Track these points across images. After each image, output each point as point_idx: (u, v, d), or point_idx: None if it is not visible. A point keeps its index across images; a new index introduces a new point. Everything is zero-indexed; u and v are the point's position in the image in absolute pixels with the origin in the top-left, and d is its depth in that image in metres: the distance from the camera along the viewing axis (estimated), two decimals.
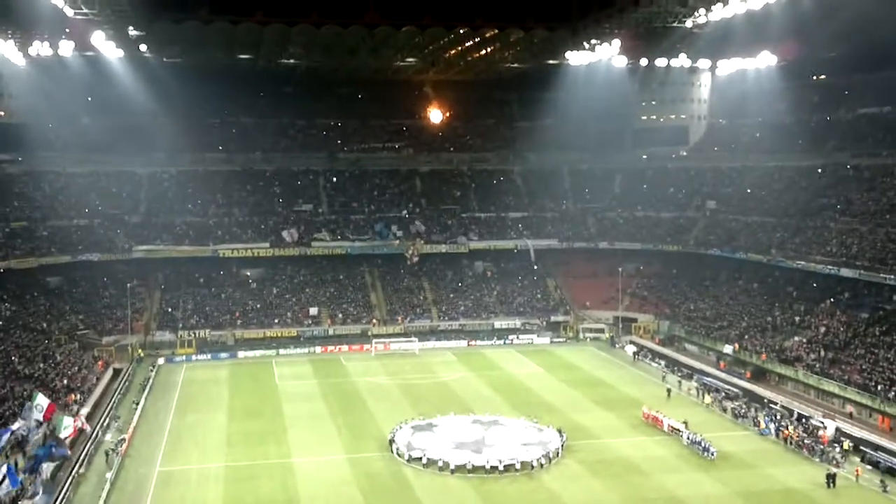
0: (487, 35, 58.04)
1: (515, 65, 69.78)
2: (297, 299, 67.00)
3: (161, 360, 57.70)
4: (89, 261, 62.96)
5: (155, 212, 69.36)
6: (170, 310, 64.08)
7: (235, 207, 72.04)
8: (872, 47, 59.40)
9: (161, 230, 67.63)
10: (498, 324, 66.49)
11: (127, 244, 64.95)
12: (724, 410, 45.51)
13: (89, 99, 67.13)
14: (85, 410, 41.77)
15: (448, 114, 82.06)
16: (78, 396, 44.34)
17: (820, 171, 64.91)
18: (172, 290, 66.25)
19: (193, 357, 59.34)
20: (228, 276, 68.48)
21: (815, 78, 71.17)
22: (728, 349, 55.74)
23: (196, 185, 72.70)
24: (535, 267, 71.46)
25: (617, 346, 62.82)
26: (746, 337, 55.80)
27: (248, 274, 68.99)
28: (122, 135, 70.44)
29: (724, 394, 47.70)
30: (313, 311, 65.49)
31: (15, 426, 34.19)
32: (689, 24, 52.84)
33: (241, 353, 60.22)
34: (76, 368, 48.95)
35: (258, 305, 65.64)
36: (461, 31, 57.18)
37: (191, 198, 71.71)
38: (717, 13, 48.54)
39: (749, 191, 69.34)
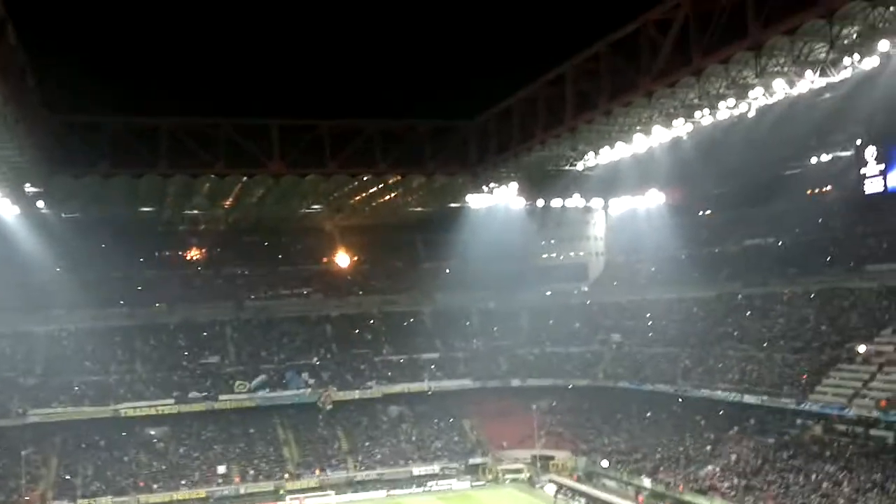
0: (390, 181, 59.64)
1: (419, 208, 71.59)
2: (206, 457, 63.92)
3: None
4: None
5: (52, 372, 66.06)
6: (68, 477, 59.98)
7: (138, 363, 69.55)
8: (752, 184, 63.84)
9: (58, 391, 64.24)
10: (416, 470, 64.75)
11: (21, 409, 61.37)
12: None
13: None
14: None
15: (356, 258, 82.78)
16: None
17: (714, 301, 67.49)
18: (71, 456, 62.26)
19: None
20: (131, 436, 65.02)
21: (702, 214, 75.34)
22: (647, 482, 55.78)
23: (96, 342, 70.00)
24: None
25: (537, 485, 62.03)
26: (662, 469, 56.04)
27: (153, 433, 65.74)
28: (18, 293, 67.75)
29: None
30: (221, 469, 62.43)
31: None
32: (579, 166, 55.67)
33: None
34: None
35: (163, 467, 62.27)
36: (364, 178, 58.57)
37: (91, 356, 68.87)
38: (605, 157, 51.44)
39: (650, 323, 71.37)
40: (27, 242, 61.62)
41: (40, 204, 57.41)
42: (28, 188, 53.28)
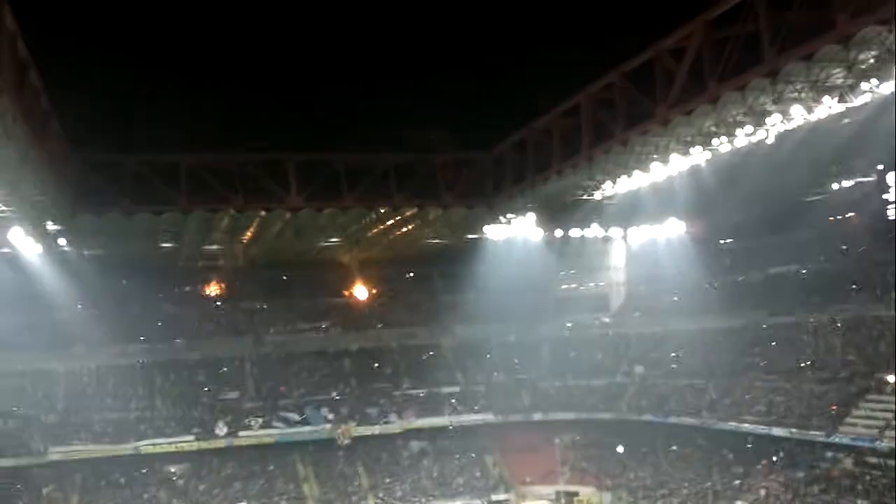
0: (407, 213, 59.50)
1: (436, 240, 71.30)
2: (226, 495, 63.66)
3: None
4: (1, 467, 59.44)
5: (73, 409, 66.34)
6: None
7: (158, 400, 69.58)
8: (774, 212, 63.02)
9: (79, 428, 64.42)
10: None
11: (42, 446, 61.59)
12: None
13: (3, 296, 64.68)
14: None
15: (374, 291, 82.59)
16: None
17: (739, 331, 66.44)
18: (91, 493, 62.20)
19: None
20: (151, 473, 64.99)
21: (723, 242, 74.41)
22: None
23: (117, 378, 70.08)
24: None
25: None
26: None
27: (173, 470, 65.64)
28: (40, 331, 68.35)
29: None
30: None
31: None
32: (597, 196, 55.22)
33: None
34: None
35: None
36: (381, 211, 58.52)
37: (111, 392, 69.05)
38: (623, 186, 50.93)
39: (674, 354, 70.34)
40: (49, 280, 62.00)
41: (62, 242, 57.78)
42: (50, 226, 53.66)
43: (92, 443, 63.46)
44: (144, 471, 64.91)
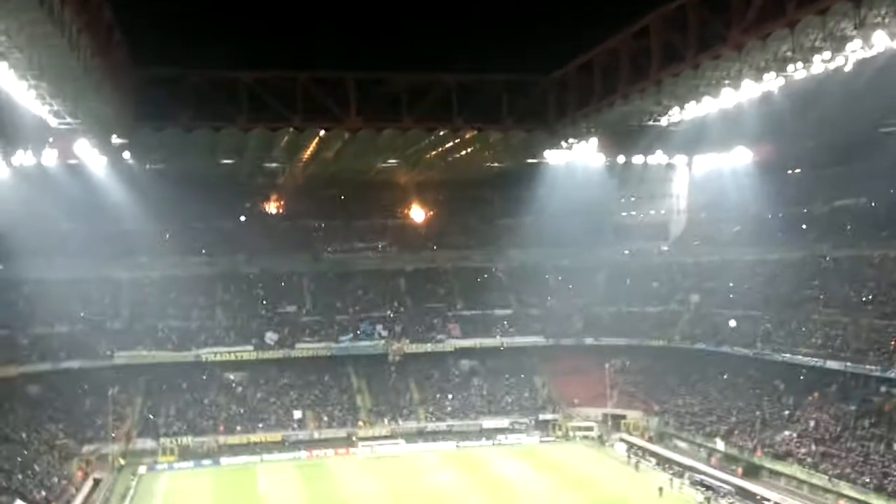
0: (467, 136, 58.92)
1: (495, 164, 70.70)
2: (282, 403, 65.93)
3: (143, 469, 56.28)
4: (70, 368, 61.94)
5: (137, 317, 68.70)
6: (151, 416, 62.77)
7: (218, 310, 71.55)
8: (844, 141, 60.76)
9: (143, 335, 66.84)
10: (486, 424, 65.41)
11: (108, 350, 64.02)
12: None
13: (71, 205, 66.66)
14: None
15: (430, 213, 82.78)
16: None
17: (800, 263, 65.26)
18: (154, 396, 65.00)
19: (176, 465, 57.74)
20: (211, 380, 67.40)
21: (790, 172, 72.33)
22: (720, 445, 54.97)
23: (178, 288, 72.19)
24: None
25: (607, 444, 61.89)
26: (736, 432, 55.06)
27: (232, 378, 67.94)
28: (104, 240, 70.39)
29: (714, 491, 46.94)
30: (297, 414, 64.42)
31: None
32: (663, 122, 53.92)
33: (224, 460, 58.95)
34: (55, 479, 47.59)
35: (242, 410, 64.54)
36: (441, 133, 58.02)
37: (173, 302, 71.08)
38: (691, 112, 49.55)
39: (732, 284, 69.40)
40: (114, 192, 63.34)
41: (126, 155, 58.70)
42: (114, 139, 54.46)
43: (155, 349, 65.89)
44: (204, 377, 67.31)
